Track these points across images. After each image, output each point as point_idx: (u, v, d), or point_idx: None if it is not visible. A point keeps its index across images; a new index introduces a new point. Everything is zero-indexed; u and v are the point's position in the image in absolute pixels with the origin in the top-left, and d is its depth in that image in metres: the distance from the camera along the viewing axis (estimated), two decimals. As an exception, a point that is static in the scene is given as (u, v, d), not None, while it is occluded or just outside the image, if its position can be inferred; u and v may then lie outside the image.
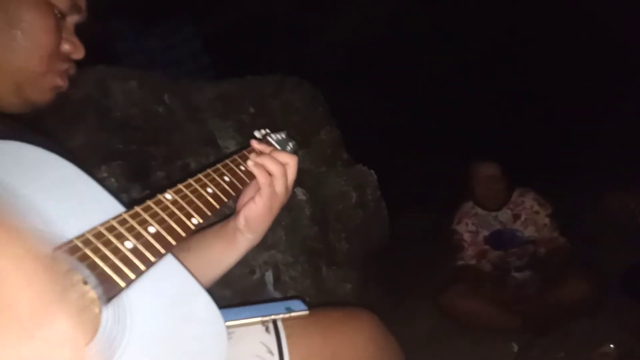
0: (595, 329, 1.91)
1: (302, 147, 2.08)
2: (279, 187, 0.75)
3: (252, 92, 2.07)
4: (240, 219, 0.77)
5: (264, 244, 1.78)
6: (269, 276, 1.78)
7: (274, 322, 0.80)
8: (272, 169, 0.74)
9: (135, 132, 1.66)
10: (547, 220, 2.42)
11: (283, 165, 0.76)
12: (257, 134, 0.85)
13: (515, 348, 1.92)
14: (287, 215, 1.85)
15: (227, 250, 0.81)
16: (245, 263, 1.73)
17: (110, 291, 0.44)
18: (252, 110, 2.01)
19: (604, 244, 2.61)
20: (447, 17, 4.90)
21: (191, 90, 1.95)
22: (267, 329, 0.78)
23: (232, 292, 1.65)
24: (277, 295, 1.77)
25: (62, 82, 0.69)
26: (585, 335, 1.87)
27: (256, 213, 0.76)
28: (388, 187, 2.33)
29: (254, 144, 0.81)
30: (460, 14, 4.91)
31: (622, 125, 4.26)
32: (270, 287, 1.77)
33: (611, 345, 1.62)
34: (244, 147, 0.81)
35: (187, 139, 1.77)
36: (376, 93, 4.89)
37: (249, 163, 0.75)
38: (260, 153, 0.78)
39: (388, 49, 4.94)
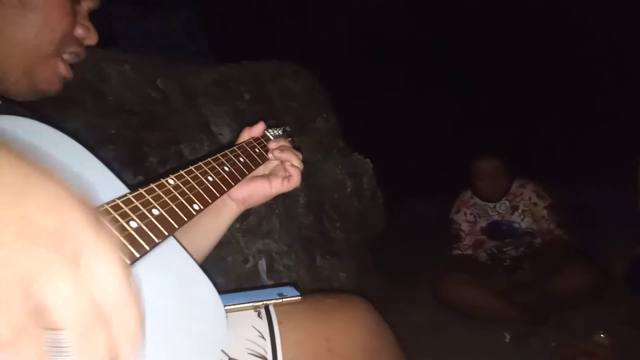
0: (591, 319, 1.92)
1: (298, 134, 2.06)
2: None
3: (249, 78, 2.04)
4: (244, 192, 0.81)
5: (258, 232, 1.77)
6: (263, 264, 1.77)
7: (266, 307, 0.79)
8: (298, 165, 0.83)
9: (130, 117, 1.64)
10: (545, 213, 2.42)
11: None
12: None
13: (507, 338, 1.93)
14: (281, 204, 1.84)
15: (215, 222, 0.84)
16: (239, 251, 1.72)
17: None
18: (247, 96, 1.99)
19: (604, 235, 2.61)
20: (450, 7, 4.86)
21: (187, 74, 1.92)
22: (259, 314, 0.78)
23: (226, 280, 1.64)
24: (271, 283, 1.76)
25: (67, 72, 0.70)
26: (580, 325, 1.88)
27: (265, 193, 0.82)
28: (384, 176, 2.32)
29: (272, 142, 0.87)
30: (463, 4, 4.88)
31: (623, 116, 4.27)
32: (264, 275, 1.76)
33: (602, 335, 1.62)
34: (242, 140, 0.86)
35: (181, 124, 1.74)
36: (373, 81, 4.86)
37: (279, 154, 0.83)
38: (279, 147, 0.85)
39: (388, 37, 4.90)
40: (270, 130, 0.92)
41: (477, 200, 2.58)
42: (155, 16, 3.06)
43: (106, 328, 0.28)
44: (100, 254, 0.29)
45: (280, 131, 0.95)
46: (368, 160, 2.22)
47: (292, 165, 0.82)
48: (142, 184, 0.55)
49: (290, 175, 0.82)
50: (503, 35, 4.84)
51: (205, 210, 0.79)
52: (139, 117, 1.65)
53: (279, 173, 0.84)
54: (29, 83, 0.65)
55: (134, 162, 1.57)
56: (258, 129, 0.87)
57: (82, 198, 0.30)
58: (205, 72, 1.98)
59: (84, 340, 0.26)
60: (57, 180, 0.29)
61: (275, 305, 0.80)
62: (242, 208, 0.85)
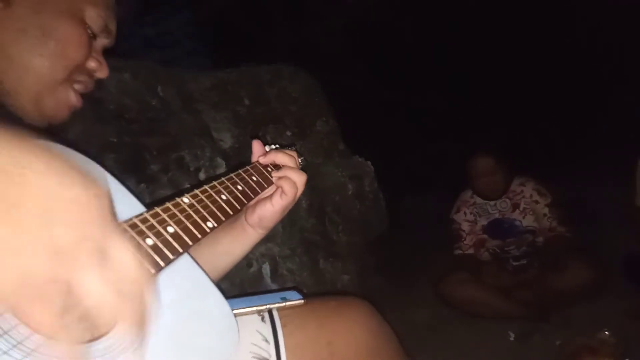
0: (595, 315, 1.91)
1: (298, 138, 2.07)
2: (298, 194, 0.84)
3: (247, 82, 2.05)
4: (255, 217, 0.82)
5: (260, 236, 1.78)
6: (266, 269, 1.77)
7: (270, 311, 0.80)
8: (296, 180, 0.83)
9: (130, 124, 1.64)
10: (546, 210, 2.42)
11: (303, 176, 0.85)
12: (267, 148, 0.91)
13: (512, 337, 1.93)
14: (284, 207, 1.84)
15: (235, 243, 0.86)
16: (242, 255, 1.72)
17: None
18: (247, 101, 2.00)
19: (604, 231, 2.61)
20: (449, 6, 4.87)
21: (186, 79, 1.93)
22: (262, 319, 0.79)
23: (230, 285, 1.65)
24: (275, 287, 1.76)
25: (77, 101, 0.72)
26: (583, 322, 1.88)
27: (272, 212, 0.82)
28: (384, 177, 2.32)
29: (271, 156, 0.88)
30: (462, 3, 4.89)
31: (622, 111, 4.28)
32: (268, 279, 1.77)
33: (606, 332, 1.62)
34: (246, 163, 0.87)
35: (182, 130, 1.75)
36: (373, 83, 4.87)
37: (276, 173, 0.84)
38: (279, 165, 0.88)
39: (386, 38, 4.91)
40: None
41: (477, 199, 2.58)
42: (151, 20, 3.07)
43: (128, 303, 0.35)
44: (119, 247, 0.36)
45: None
46: (369, 162, 2.22)
47: (279, 177, 0.83)
48: (159, 203, 0.57)
49: (281, 186, 0.83)
50: (501, 34, 4.85)
51: (227, 232, 0.85)
52: (139, 125, 1.66)
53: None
54: (37, 109, 0.67)
55: (135, 169, 1.58)
56: (256, 149, 0.88)
57: (103, 201, 0.35)
58: (203, 78, 1.99)
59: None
60: (81, 187, 0.34)
61: (278, 309, 0.81)
62: (261, 232, 0.85)
